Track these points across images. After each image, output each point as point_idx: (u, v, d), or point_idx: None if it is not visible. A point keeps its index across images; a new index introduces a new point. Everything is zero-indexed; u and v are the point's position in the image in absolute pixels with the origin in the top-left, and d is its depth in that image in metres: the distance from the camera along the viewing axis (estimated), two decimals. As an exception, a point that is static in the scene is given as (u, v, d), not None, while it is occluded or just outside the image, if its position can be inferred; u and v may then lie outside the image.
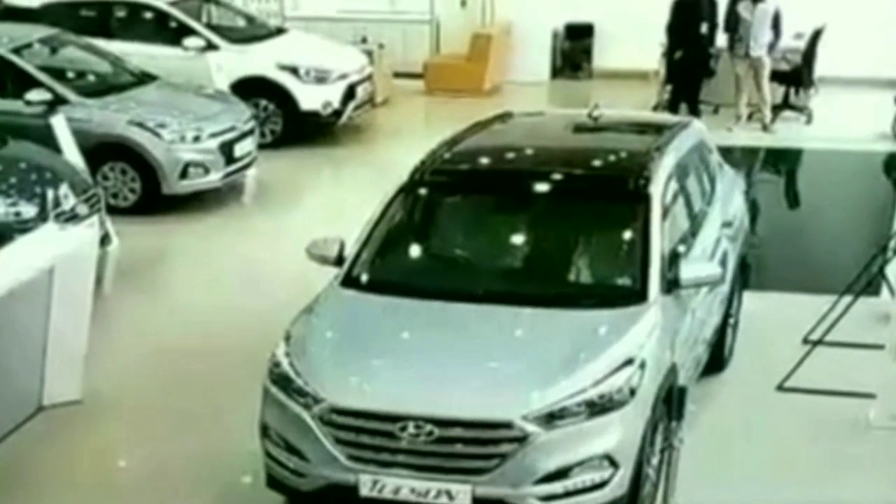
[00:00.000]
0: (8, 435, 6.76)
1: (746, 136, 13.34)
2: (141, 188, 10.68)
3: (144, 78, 11.64)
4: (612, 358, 5.63)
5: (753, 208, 8.28)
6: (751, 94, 13.61)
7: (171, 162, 10.65)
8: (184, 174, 10.72)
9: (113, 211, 10.16)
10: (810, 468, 6.49)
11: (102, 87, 11.22)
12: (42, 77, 10.73)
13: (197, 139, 10.79)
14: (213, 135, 10.89)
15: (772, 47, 13.24)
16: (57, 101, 10.47)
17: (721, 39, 13.67)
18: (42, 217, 8.32)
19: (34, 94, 10.44)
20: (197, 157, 10.76)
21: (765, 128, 13.48)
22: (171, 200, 10.80)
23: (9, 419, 6.83)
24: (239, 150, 11.19)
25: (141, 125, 10.66)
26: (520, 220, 6.78)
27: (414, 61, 15.89)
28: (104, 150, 10.51)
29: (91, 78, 11.58)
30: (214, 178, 10.93)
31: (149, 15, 13.41)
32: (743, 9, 13.17)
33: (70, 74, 11.40)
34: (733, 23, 13.32)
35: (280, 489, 5.84)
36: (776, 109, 13.97)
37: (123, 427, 7.13)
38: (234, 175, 11.24)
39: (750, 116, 13.72)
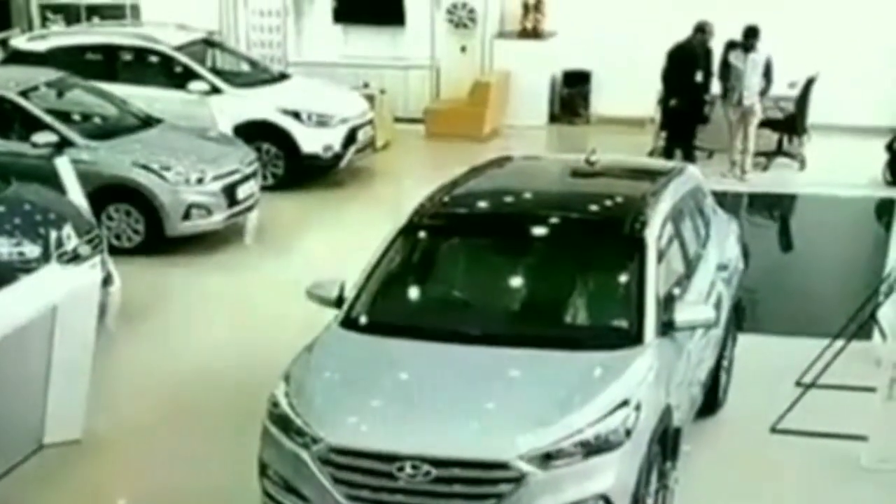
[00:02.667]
0: (8, 473, 6.79)
1: (740, 182, 13.44)
2: (144, 229, 10.80)
3: (149, 121, 11.78)
4: (608, 399, 5.70)
5: (747, 253, 8.35)
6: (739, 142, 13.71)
7: (174, 203, 10.78)
8: (187, 216, 10.84)
9: (116, 252, 10.29)
10: (803, 510, 6.55)
11: (108, 130, 11.37)
12: (48, 119, 10.88)
13: (200, 181, 10.92)
14: (217, 177, 11.02)
15: (763, 94, 13.40)
16: (63, 144, 10.60)
17: (717, 87, 13.83)
18: (45, 257, 8.42)
19: (41, 137, 10.58)
20: (200, 199, 10.89)
21: (743, 173, 13.54)
22: (174, 241, 10.89)
23: (9, 457, 6.86)
24: (242, 192, 11.31)
25: (145, 167, 10.79)
26: (517, 263, 6.86)
27: (415, 106, 16.04)
28: (109, 192, 10.67)
29: (97, 121, 11.75)
30: (217, 219, 11.05)
31: (154, 59, 13.54)
32: (734, 58, 13.33)
33: (76, 117, 11.56)
34: (726, 71, 13.48)
35: (278, 528, 5.87)
36: (770, 156, 14.11)
37: (123, 466, 7.17)
38: (236, 217, 11.35)
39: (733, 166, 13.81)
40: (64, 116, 11.23)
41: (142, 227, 10.80)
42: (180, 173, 10.85)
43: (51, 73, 11.92)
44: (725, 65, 13.53)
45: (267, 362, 7.08)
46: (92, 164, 10.62)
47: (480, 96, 15.59)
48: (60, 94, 11.73)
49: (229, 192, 11.11)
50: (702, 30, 13.44)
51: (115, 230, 10.73)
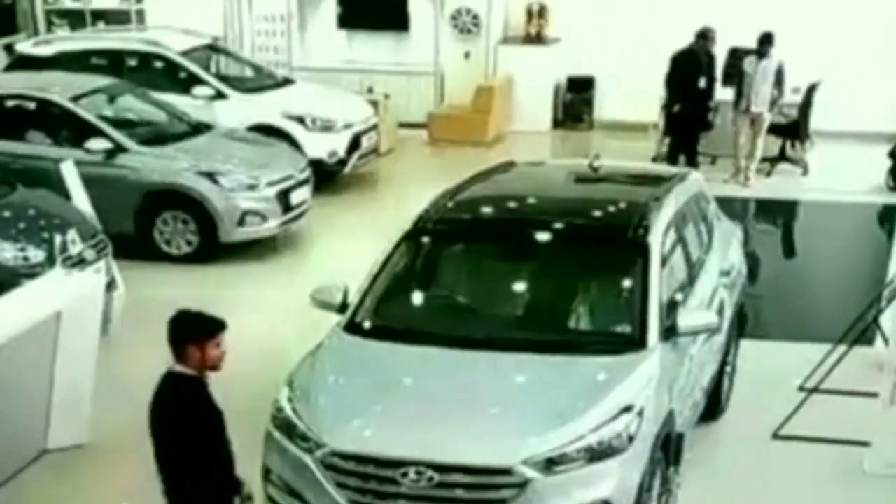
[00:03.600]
0: (12, 478, 6.82)
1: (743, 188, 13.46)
2: (199, 236, 10.73)
3: (201, 126, 11.72)
4: (611, 404, 5.72)
5: (750, 258, 8.36)
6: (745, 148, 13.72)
7: (229, 210, 10.68)
8: (241, 222, 10.76)
9: (169, 259, 10.42)
10: (806, 515, 6.56)
11: (160, 136, 11.24)
12: (102, 126, 10.81)
13: (255, 187, 10.85)
14: (271, 183, 10.94)
15: (774, 103, 13.41)
16: (116, 150, 10.60)
17: (720, 93, 13.86)
18: (50, 262, 8.43)
19: (94, 143, 10.56)
20: (255, 206, 10.79)
21: (746, 179, 13.56)
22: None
23: (13, 462, 6.89)
24: (295, 198, 11.24)
25: (199, 173, 10.71)
26: (521, 269, 6.89)
27: (419, 112, 16.06)
28: (162, 199, 10.66)
29: (149, 127, 11.58)
30: (271, 225, 10.99)
31: (159, 64, 13.57)
32: (747, 64, 13.34)
33: (127, 123, 11.41)
34: (736, 78, 13.49)
35: (282, 532, 5.89)
36: (773, 161, 14.12)
37: (127, 471, 7.16)
38: (290, 223, 11.29)
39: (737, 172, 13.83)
40: (115, 122, 11.12)
41: (195, 234, 10.73)
42: (235, 179, 10.78)
43: (102, 80, 11.83)
44: (734, 71, 13.55)
45: (270, 367, 7.09)
46: (145, 171, 10.62)
47: (484, 102, 15.61)
48: (111, 100, 11.66)
49: (283, 198, 11.04)
50: (704, 36, 13.45)
51: (168, 237, 10.72)
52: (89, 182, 9.76)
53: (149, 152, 10.81)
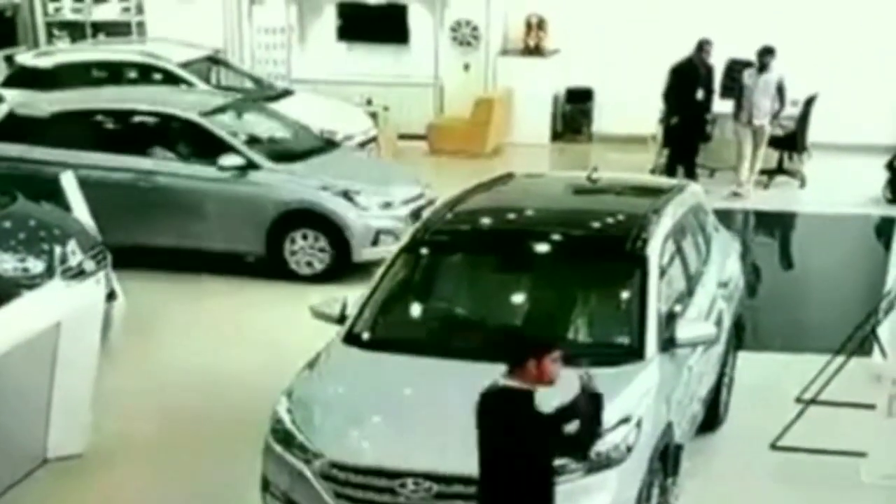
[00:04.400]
0: (12, 487, 6.82)
1: (742, 201, 13.49)
2: (331, 255, 10.49)
3: (329, 144, 11.59)
4: (610, 415, 5.68)
5: (749, 270, 8.38)
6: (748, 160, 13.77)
7: (363, 229, 10.44)
8: (375, 241, 10.46)
9: (299, 279, 10.28)
10: (804, 526, 6.57)
11: (291, 153, 11.03)
12: (234, 142, 10.65)
13: (390, 206, 10.64)
14: (405, 202, 10.72)
15: (775, 116, 13.47)
16: (248, 167, 10.47)
17: (719, 105, 13.92)
18: (49, 273, 8.46)
19: (227, 160, 10.43)
20: (389, 224, 10.49)
21: (746, 191, 13.60)
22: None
23: (13, 471, 6.89)
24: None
25: (333, 191, 10.48)
26: (520, 280, 6.91)
27: (418, 123, 16.10)
28: (295, 217, 10.45)
29: (276, 143, 11.36)
30: None
31: (158, 76, 13.61)
32: (747, 77, 13.40)
33: (255, 140, 11.20)
34: (737, 91, 13.54)
35: (280, 543, 5.90)
36: (771, 174, 14.15)
37: (126, 481, 7.19)
38: None
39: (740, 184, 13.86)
40: (244, 139, 10.93)
41: (327, 252, 10.48)
42: (370, 198, 10.57)
43: (228, 96, 11.69)
44: (733, 83, 13.61)
45: (270, 377, 7.10)
46: (278, 189, 10.44)
47: (483, 114, 15.65)
48: (239, 116, 11.50)
49: (416, 218, 10.66)
50: (701, 48, 13.50)
51: (300, 256, 10.53)
52: (219, 200, 9.74)
53: (282, 169, 10.59)
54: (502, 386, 4.93)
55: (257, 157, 10.60)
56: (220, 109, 11.25)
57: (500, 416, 4.93)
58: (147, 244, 10.57)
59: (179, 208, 10.50)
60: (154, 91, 12.44)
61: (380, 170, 11.48)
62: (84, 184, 9.81)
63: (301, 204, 10.46)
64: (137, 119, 11.18)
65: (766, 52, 13.21)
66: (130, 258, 9.89)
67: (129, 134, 11.04)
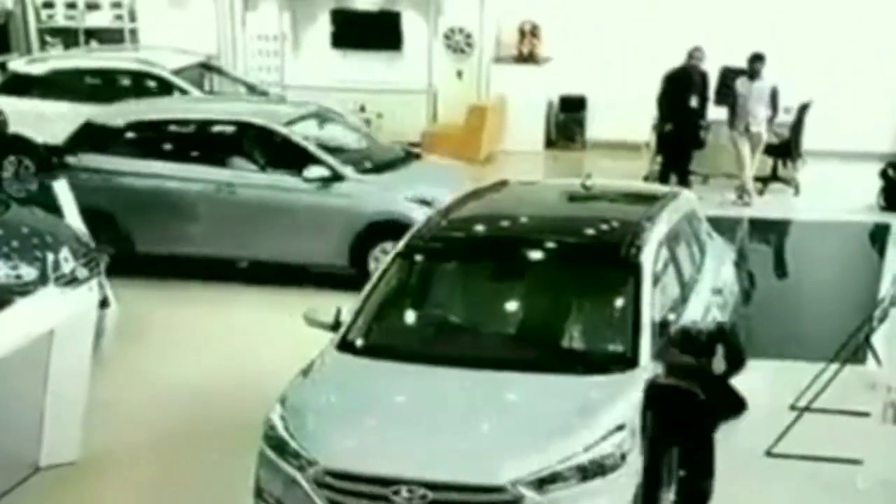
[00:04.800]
0: (4, 495, 6.80)
1: (737, 208, 13.51)
2: None
3: (410, 155, 11.42)
4: (604, 423, 5.72)
5: (753, 280, 8.39)
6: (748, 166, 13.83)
7: None
8: None
9: None
10: (799, 534, 6.56)
11: (375, 164, 10.85)
12: (320, 153, 10.46)
13: None
14: None
15: (770, 122, 13.51)
16: (334, 178, 10.31)
17: (713, 112, 13.95)
18: (42, 280, 8.43)
19: (312, 171, 10.28)
20: None
21: (749, 197, 13.63)
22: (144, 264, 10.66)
23: (6, 480, 6.87)
24: None
25: (421, 202, 10.15)
26: (513, 287, 6.91)
27: (411, 130, 16.11)
28: (380, 229, 10.16)
29: (357, 154, 11.11)
30: None
31: (151, 82, 13.61)
32: (740, 85, 13.44)
33: (339, 150, 10.96)
34: (731, 99, 13.57)
35: (274, 551, 5.88)
36: (766, 181, 14.17)
37: (118, 488, 7.17)
38: None
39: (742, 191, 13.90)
40: (325, 149, 10.69)
41: None
42: None
43: (308, 106, 11.50)
44: (727, 90, 13.64)
45: (263, 384, 7.09)
46: (364, 200, 10.25)
47: (477, 121, 15.66)
48: (320, 126, 11.33)
49: None
50: (692, 55, 13.53)
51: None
52: (301, 211, 9.62)
53: (368, 181, 10.44)
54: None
55: (343, 169, 10.39)
56: (301, 119, 11.05)
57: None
58: (220, 256, 10.48)
59: (259, 220, 10.29)
60: (231, 100, 12.26)
61: (462, 179, 10.92)
62: (159, 194, 9.69)
63: (387, 215, 10.17)
64: (216, 129, 10.98)
65: (757, 59, 13.25)
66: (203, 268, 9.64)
67: (207, 144, 10.82)
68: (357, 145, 11.39)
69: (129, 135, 10.90)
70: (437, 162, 11.84)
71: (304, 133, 10.79)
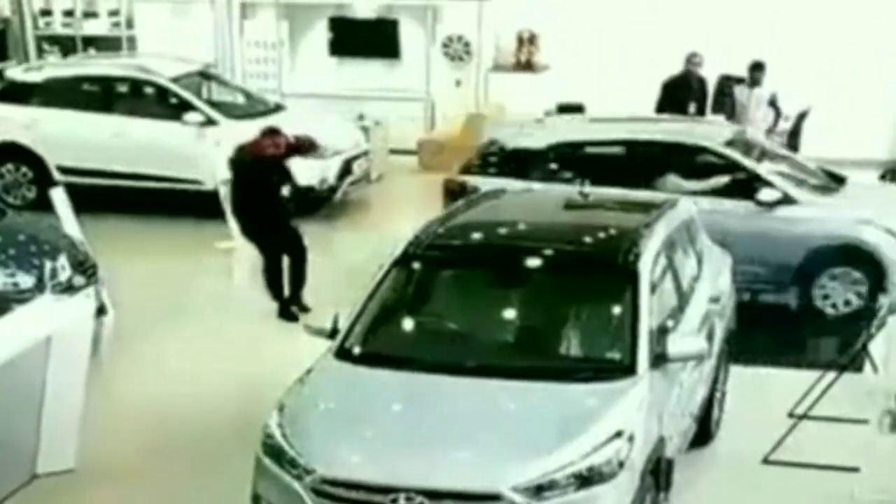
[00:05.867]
0: (1, 502, 6.79)
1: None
2: (866, 293, 9.77)
3: (839, 176, 10.70)
4: (602, 431, 5.72)
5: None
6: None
7: None
8: None
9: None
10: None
11: (819, 186, 10.39)
12: (773, 177, 9.98)
13: None
14: None
15: (769, 131, 13.52)
16: (784, 201, 9.80)
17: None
18: (39, 288, 8.43)
19: (765, 194, 9.76)
20: None
21: None
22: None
23: (2, 487, 6.86)
24: None
25: (876, 226, 9.75)
26: (511, 295, 6.89)
27: (409, 138, 16.13)
28: (830, 254, 9.81)
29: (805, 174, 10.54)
30: None
31: (149, 90, 13.62)
32: (738, 93, 13.47)
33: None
34: (729, 106, 13.59)
35: (271, 559, 5.87)
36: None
37: (115, 496, 7.16)
38: None
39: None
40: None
41: (862, 290, 9.82)
42: None
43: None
44: (729, 98, 13.66)
45: (261, 392, 7.09)
46: (813, 223, 9.74)
47: (475, 129, 15.66)
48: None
49: None
50: (690, 60, 13.55)
51: (833, 294, 9.91)
52: (748, 236, 9.22)
53: (822, 203, 9.97)
54: None
55: (796, 192, 9.96)
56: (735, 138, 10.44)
57: None
58: None
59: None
60: (661, 121, 11.81)
61: None
62: None
63: (843, 240, 9.74)
64: (644, 149, 10.43)
65: (757, 68, 13.27)
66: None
67: (635, 165, 10.29)
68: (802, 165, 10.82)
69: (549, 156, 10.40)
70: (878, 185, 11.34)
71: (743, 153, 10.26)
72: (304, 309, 9.77)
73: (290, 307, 9.87)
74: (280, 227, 9.87)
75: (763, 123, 13.33)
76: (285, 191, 10.35)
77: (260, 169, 9.72)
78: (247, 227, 10.02)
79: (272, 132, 9.82)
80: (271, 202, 9.80)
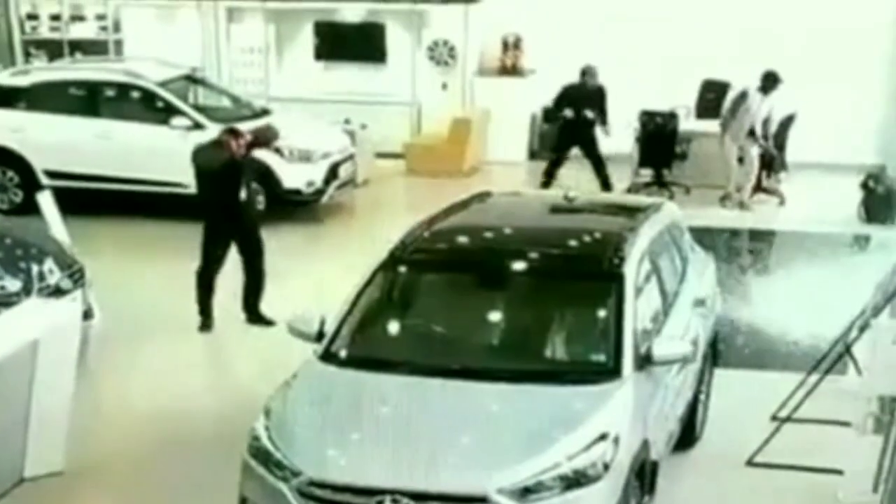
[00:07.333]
0: (-11, 507, 6.80)
1: (719, 218, 13.59)
2: None
3: None
4: (587, 433, 5.76)
5: (725, 288, 8.40)
6: (735, 175, 13.94)
7: None
8: None
9: None
10: (780, 543, 6.60)
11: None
12: None
13: None
14: None
15: (766, 138, 13.67)
16: None
17: (696, 124, 14.03)
18: (26, 291, 8.43)
19: None
20: None
21: (725, 198, 13.79)
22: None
23: (-10, 491, 6.87)
24: None
25: None
26: (496, 299, 6.92)
27: (395, 142, 16.15)
28: None
29: None
30: None
31: (136, 94, 13.61)
32: (751, 97, 13.57)
33: None
34: (728, 113, 13.69)
35: (258, 561, 5.89)
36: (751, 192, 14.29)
37: (104, 499, 7.16)
38: None
39: (724, 198, 14.01)
40: None
41: None
42: None
43: None
44: (709, 103, 13.77)
45: (247, 396, 7.10)
46: None
47: (461, 133, 15.72)
48: None
49: None
50: (584, 73, 13.73)
51: None
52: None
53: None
54: None
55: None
56: None
57: None
58: None
59: None
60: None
61: None
62: None
63: None
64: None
65: (771, 78, 13.41)
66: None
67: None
68: None
69: None
70: None
71: None
72: (267, 322, 9.74)
73: (209, 318, 9.82)
74: (243, 218, 9.87)
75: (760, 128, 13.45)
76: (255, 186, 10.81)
77: (238, 167, 9.80)
78: (210, 222, 9.99)
79: (233, 132, 9.87)
80: (237, 197, 9.85)
